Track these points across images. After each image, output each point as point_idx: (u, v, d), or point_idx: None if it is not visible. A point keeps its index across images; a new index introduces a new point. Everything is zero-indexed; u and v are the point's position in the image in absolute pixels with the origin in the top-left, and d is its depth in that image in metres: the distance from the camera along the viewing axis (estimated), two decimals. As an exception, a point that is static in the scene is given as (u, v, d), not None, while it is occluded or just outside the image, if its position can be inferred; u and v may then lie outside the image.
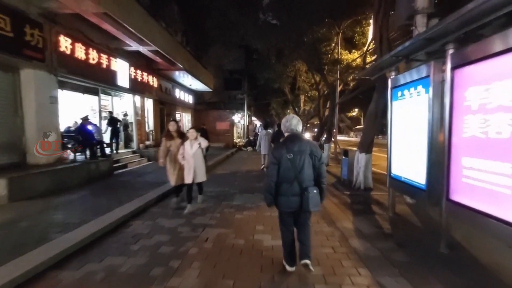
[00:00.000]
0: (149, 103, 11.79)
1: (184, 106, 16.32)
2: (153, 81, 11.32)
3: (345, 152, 6.87)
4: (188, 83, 15.22)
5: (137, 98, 10.51)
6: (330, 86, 10.72)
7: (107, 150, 8.29)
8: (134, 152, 10.02)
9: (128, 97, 10.22)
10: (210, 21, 11.77)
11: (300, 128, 2.55)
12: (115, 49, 8.60)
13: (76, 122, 7.74)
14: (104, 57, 7.91)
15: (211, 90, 18.13)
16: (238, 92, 24.30)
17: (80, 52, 6.91)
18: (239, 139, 22.28)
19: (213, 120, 19.83)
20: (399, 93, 3.99)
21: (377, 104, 5.72)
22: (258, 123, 34.56)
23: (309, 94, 18.92)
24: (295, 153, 2.38)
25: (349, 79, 14.02)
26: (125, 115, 10.44)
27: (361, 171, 5.98)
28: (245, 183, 6.90)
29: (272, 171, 2.43)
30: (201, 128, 11.84)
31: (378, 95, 5.65)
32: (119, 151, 9.54)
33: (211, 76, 17.76)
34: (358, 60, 13.59)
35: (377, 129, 6.83)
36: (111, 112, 8.97)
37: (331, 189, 6.30)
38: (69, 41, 6.51)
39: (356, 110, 49.40)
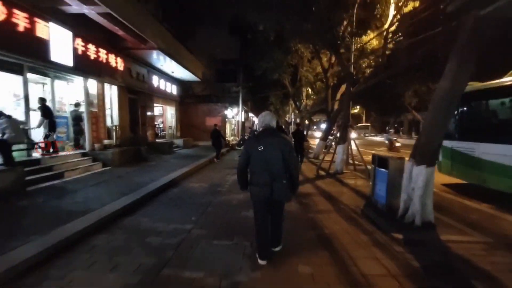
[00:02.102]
0: (113, 92, 9.26)
1: (166, 97, 13.79)
2: (117, 62, 8.78)
3: (382, 160, 4.41)
4: (170, 70, 12.68)
5: (92, 83, 7.97)
6: (347, 68, 8.22)
7: (38, 154, 5.78)
8: (84, 155, 7.52)
9: (79, 82, 7.68)
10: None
11: (273, 123, 2.68)
12: (48, 10, 6.07)
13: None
14: (23, 16, 5.37)
15: (199, 80, 15.59)
16: (232, 85, 21.77)
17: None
18: (232, 137, 19.77)
19: (202, 115, 17.34)
20: None
21: (458, 77, 3.23)
22: (255, 119, 32.00)
23: (314, 86, 16.43)
24: (266, 146, 2.50)
25: (364, 66, 11.57)
26: (77, 105, 7.93)
27: (417, 194, 3.53)
28: (224, 212, 4.37)
29: (240, 160, 2.67)
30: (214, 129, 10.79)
31: (464, 57, 3.17)
32: (61, 153, 7.04)
33: (199, 63, 15.20)
34: (374, 42, 11.18)
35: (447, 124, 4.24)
36: (42, 99, 6.45)
37: (363, 222, 3.86)
38: None
39: (358, 107, 47.08)
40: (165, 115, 15.00)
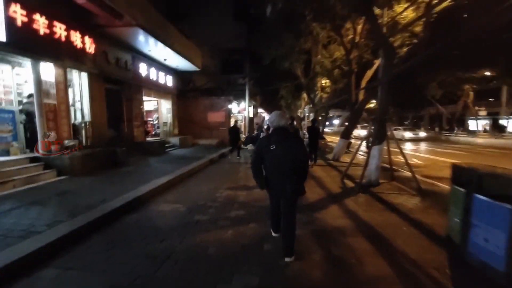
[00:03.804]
0: (83, 80, 7.45)
1: (159, 90, 11.94)
2: (84, 42, 6.95)
3: (491, 181, 2.28)
4: (161, 56, 10.79)
5: (48, 68, 6.16)
6: (383, 38, 5.95)
7: None
8: (35, 160, 5.75)
9: (29, 65, 5.90)
10: None
11: (283, 122, 2.66)
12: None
13: None
14: None
15: (199, 69, 13.66)
16: (238, 76, 19.74)
17: None
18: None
19: (204, 110, 15.42)
20: None
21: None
22: (266, 115, 29.76)
23: (331, 74, 14.12)
24: (277, 145, 2.55)
25: (397, 44, 9.25)
26: (30, 96, 6.21)
27: None
28: (188, 280, 2.43)
29: (253, 159, 2.76)
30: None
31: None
32: (2, 158, 5.31)
33: (197, 50, 13.24)
34: (410, 14, 8.86)
35: None
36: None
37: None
38: None
39: (374, 101, 43.69)
40: (160, 110, 13.19)
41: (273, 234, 3.06)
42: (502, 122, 26.79)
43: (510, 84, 24.18)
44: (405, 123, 36.54)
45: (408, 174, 6.93)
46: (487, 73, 23.20)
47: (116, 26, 7.37)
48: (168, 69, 12.53)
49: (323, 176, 6.84)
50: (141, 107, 10.61)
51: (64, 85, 6.58)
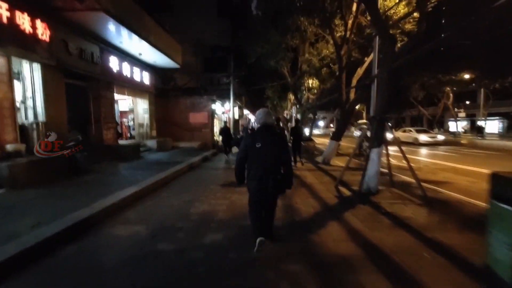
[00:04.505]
0: (36, 73, 6.31)
1: (134, 87, 10.84)
2: (35, 27, 5.84)
3: None
4: (136, 50, 9.73)
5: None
6: (382, 24, 5.28)
7: None
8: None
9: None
10: None
11: (270, 120, 2.72)
12: None
13: None
14: None
15: (179, 66, 12.65)
16: (222, 75, 18.85)
17: None
18: (221, 137, 16.82)
19: (186, 111, 14.38)
20: None
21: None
22: (252, 117, 28.95)
23: (319, 73, 13.59)
24: (263, 142, 2.56)
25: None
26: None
27: None
28: None
29: (238, 156, 2.70)
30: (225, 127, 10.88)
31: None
32: None
33: (177, 45, 12.25)
34: (401, 9, 8.51)
35: None
36: None
37: None
38: None
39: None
40: (136, 109, 12.04)
41: (258, 239, 2.66)
42: (480, 123, 27.60)
43: (488, 86, 24.97)
44: (403, 124, 36.68)
45: (405, 178, 6.42)
46: (467, 76, 23.84)
47: (77, 10, 6.30)
48: (144, 65, 11.45)
49: (314, 183, 6.13)
50: (112, 106, 9.49)
51: (7, 77, 5.45)
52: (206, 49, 18.63)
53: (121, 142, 10.58)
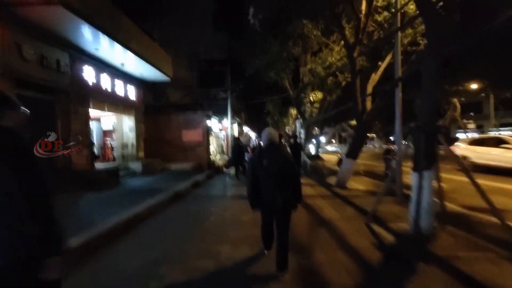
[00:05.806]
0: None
1: (116, 103, 9.47)
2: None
3: None
4: (117, 60, 8.48)
5: None
6: (431, 5, 3.87)
7: None
8: None
9: None
10: None
11: (276, 139, 2.74)
12: None
13: None
14: None
15: (169, 79, 11.42)
16: (219, 90, 17.69)
17: None
18: (218, 156, 15.32)
19: (178, 128, 12.98)
20: None
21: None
22: (252, 134, 27.50)
23: (324, 83, 12.32)
24: (270, 161, 2.58)
25: (406, 42, 7.58)
26: None
27: None
28: None
29: (249, 180, 2.72)
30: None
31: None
32: None
33: (166, 55, 11.08)
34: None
35: None
36: None
37: None
38: None
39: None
40: (119, 128, 10.63)
41: (266, 251, 2.98)
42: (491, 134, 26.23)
43: (499, 96, 23.89)
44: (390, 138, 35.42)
45: (457, 208, 4.80)
46: (474, 86, 22.76)
47: (28, 5, 5.06)
48: (129, 78, 10.18)
49: (336, 218, 4.52)
50: (87, 123, 8.08)
51: None
52: (202, 63, 17.61)
53: (99, 166, 9.06)
